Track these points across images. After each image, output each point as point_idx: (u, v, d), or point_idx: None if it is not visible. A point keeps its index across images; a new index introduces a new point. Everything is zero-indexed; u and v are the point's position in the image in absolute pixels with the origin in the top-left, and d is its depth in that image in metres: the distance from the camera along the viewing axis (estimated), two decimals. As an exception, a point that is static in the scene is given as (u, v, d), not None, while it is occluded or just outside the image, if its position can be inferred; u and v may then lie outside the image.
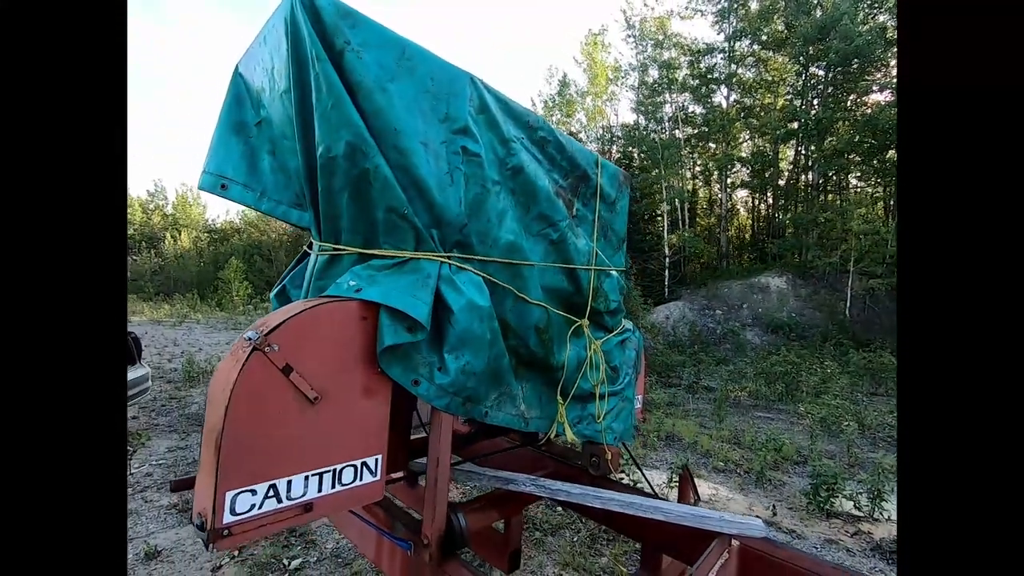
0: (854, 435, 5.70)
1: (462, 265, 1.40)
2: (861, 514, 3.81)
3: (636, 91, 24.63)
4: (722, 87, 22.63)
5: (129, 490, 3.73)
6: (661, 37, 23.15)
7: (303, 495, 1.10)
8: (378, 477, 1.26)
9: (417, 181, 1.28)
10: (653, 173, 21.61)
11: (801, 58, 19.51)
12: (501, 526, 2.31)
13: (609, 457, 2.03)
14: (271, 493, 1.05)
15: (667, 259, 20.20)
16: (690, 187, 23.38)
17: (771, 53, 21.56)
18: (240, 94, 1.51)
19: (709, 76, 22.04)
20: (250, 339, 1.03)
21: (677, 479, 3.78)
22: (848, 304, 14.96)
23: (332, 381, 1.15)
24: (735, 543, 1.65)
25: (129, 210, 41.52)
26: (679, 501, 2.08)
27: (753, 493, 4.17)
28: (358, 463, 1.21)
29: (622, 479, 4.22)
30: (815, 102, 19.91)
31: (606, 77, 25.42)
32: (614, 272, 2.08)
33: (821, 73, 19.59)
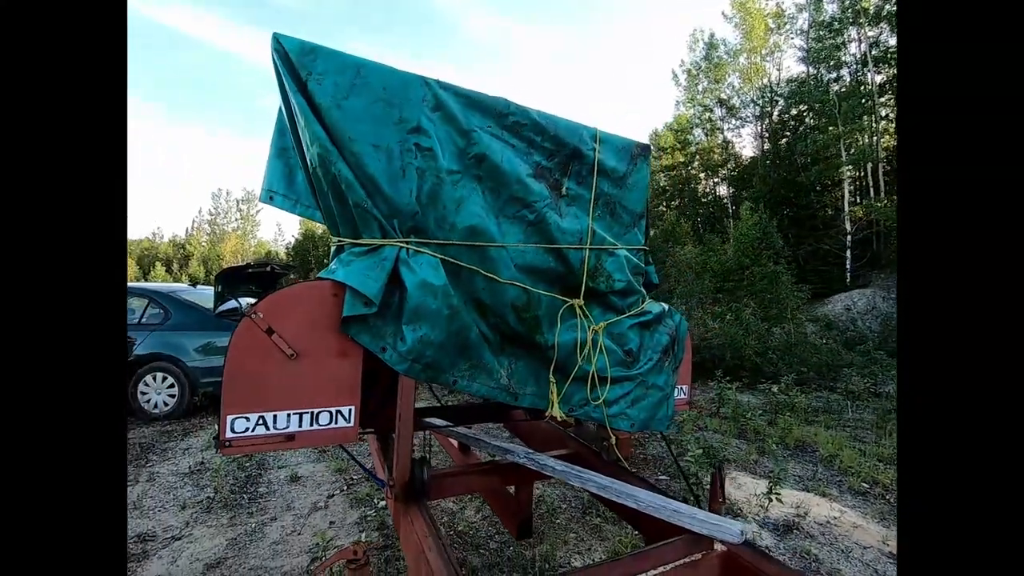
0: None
1: (419, 249, 1.58)
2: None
3: (805, 36, 20.41)
4: (940, 4, 17.03)
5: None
6: (841, -41, 18.60)
7: (286, 427, 1.46)
8: (351, 424, 1.54)
9: (371, 178, 1.51)
10: (829, 131, 17.71)
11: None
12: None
13: (614, 442, 1.96)
14: (260, 422, 1.42)
15: (849, 236, 16.40)
16: (885, 143, 18.34)
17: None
18: (283, 126, 1.97)
19: (917, -6, 16.80)
20: (243, 311, 1.42)
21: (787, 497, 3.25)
22: None
23: (308, 342, 1.47)
24: (719, 547, 1.46)
25: (261, 250, 50.58)
26: (710, 503, 1.90)
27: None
28: (333, 410, 1.52)
29: (659, 475, 3.77)
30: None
31: (765, 27, 21.69)
32: (621, 251, 1.98)
33: None
